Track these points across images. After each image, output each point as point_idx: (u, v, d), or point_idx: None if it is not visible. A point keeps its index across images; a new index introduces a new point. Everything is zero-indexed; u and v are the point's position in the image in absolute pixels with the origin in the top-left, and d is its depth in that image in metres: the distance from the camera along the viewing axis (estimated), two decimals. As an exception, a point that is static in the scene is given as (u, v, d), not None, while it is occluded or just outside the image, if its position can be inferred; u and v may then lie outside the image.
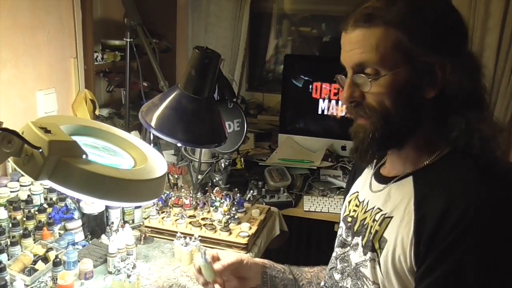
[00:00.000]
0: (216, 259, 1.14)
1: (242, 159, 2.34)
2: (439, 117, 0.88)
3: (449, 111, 0.87)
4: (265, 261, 1.19)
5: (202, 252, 1.11)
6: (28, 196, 1.54)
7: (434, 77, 0.84)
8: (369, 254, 0.93)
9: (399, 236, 0.87)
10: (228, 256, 1.14)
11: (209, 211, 1.75)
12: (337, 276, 1.04)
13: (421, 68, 0.84)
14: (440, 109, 0.87)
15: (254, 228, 1.65)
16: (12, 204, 1.49)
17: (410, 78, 0.84)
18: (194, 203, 1.77)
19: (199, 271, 1.12)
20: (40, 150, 0.73)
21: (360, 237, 0.98)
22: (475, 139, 0.85)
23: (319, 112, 2.63)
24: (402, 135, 0.89)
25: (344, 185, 2.27)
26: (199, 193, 1.85)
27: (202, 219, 1.69)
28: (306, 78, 2.64)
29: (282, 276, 1.16)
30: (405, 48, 0.83)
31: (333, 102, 2.60)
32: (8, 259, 1.33)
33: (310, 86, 2.62)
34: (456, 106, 0.86)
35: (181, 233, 1.54)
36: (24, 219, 1.47)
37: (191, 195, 1.79)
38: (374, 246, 0.92)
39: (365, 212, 0.99)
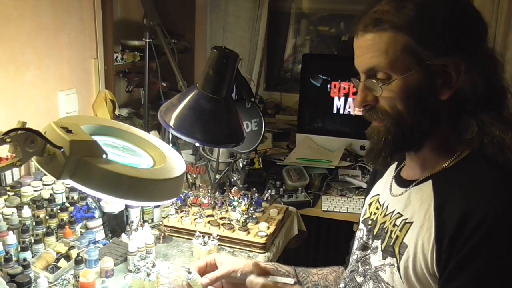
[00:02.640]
0: (213, 266, 1.17)
1: (260, 158, 2.33)
2: (455, 118, 0.87)
3: (463, 112, 0.85)
4: (268, 265, 1.18)
5: (186, 270, 1.15)
6: (51, 195, 1.57)
7: (448, 78, 0.83)
8: (388, 259, 0.92)
9: (420, 242, 0.86)
10: (223, 265, 1.15)
11: (227, 211, 1.75)
12: (359, 279, 1.03)
13: (432, 70, 0.82)
14: (456, 110, 0.86)
15: (272, 228, 1.65)
16: (36, 203, 1.52)
17: (422, 81, 0.83)
18: (212, 202, 1.78)
19: (188, 285, 1.15)
20: (62, 150, 0.74)
21: (380, 240, 0.97)
22: (488, 141, 0.83)
23: (337, 111, 2.62)
24: (416, 137, 0.88)
25: (363, 185, 2.26)
26: (217, 193, 1.86)
27: (220, 218, 1.69)
28: (324, 78, 2.63)
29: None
30: (414, 52, 0.82)
31: (350, 100, 2.58)
32: (32, 257, 1.36)
33: (328, 86, 2.61)
34: (470, 107, 0.84)
35: (200, 232, 1.55)
36: (47, 217, 1.50)
37: (209, 194, 1.80)
38: (394, 251, 0.91)
39: (384, 215, 0.98)
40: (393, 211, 0.95)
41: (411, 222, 0.89)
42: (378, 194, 1.06)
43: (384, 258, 0.94)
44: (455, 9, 0.84)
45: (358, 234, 1.08)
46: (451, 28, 0.82)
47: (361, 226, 1.08)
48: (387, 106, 0.86)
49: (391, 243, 0.92)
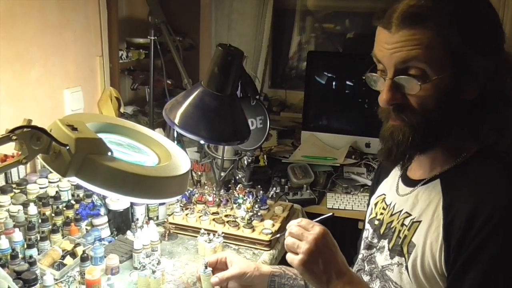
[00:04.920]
0: (223, 264, 1.17)
1: (265, 156, 2.33)
2: (474, 116, 0.86)
3: (485, 110, 0.84)
4: (276, 268, 1.18)
5: (204, 263, 1.16)
6: (56, 192, 1.58)
7: (476, 78, 0.82)
8: (396, 259, 0.92)
9: (428, 241, 0.85)
10: (234, 266, 1.15)
11: (232, 208, 1.75)
12: (366, 278, 1.03)
13: (467, 70, 0.81)
14: (477, 109, 0.85)
15: (277, 225, 1.65)
16: (41, 200, 1.52)
17: (456, 81, 0.81)
18: (217, 200, 1.78)
19: (199, 279, 1.15)
20: (68, 147, 0.74)
21: (387, 240, 0.96)
22: (506, 137, 0.83)
23: (341, 108, 2.61)
24: (440, 136, 0.87)
25: (368, 182, 2.25)
26: (222, 190, 1.86)
27: (225, 216, 1.69)
28: (329, 75, 2.62)
29: (293, 283, 1.16)
30: (456, 49, 0.79)
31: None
32: (38, 254, 1.36)
33: (334, 83, 2.60)
34: (493, 105, 0.84)
35: (205, 229, 1.55)
36: (53, 215, 1.50)
37: (214, 192, 1.80)
38: (402, 250, 0.90)
39: (391, 215, 0.98)
40: (400, 211, 0.95)
41: (419, 221, 0.88)
42: (384, 194, 1.05)
43: (391, 258, 0.93)
44: (485, 10, 0.83)
45: (364, 234, 1.07)
46: (487, 27, 0.81)
47: (367, 226, 1.07)
48: (417, 105, 0.83)
49: (399, 243, 0.91)
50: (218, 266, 1.18)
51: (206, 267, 1.15)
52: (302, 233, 0.90)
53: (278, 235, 1.51)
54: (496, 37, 0.83)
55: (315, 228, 0.90)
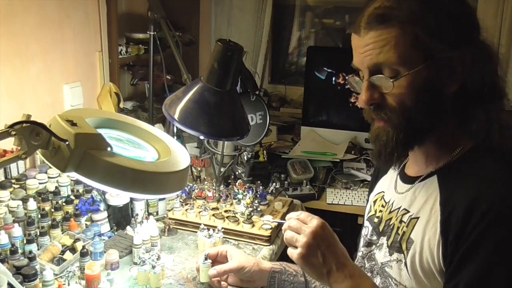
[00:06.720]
0: (223, 257, 1.17)
1: (264, 151, 2.34)
2: (459, 111, 0.86)
3: (469, 104, 0.85)
4: (276, 265, 1.18)
5: (205, 254, 1.17)
6: (56, 187, 1.58)
7: (454, 71, 0.82)
8: (395, 255, 0.92)
9: (426, 237, 0.85)
10: (233, 260, 1.16)
11: (232, 204, 1.75)
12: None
13: (441, 63, 0.81)
14: (461, 103, 0.85)
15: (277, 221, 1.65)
16: (41, 196, 1.52)
17: (431, 75, 0.82)
18: (217, 195, 1.78)
19: (198, 269, 1.16)
20: (67, 143, 0.74)
21: (386, 237, 0.97)
22: (494, 129, 0.83)
23: (341, 104, 2.60)
24: (424, 132, 0.87)
25: (367, 177, 2.26)
26: (222, 186, 1.86)
27: (225, 211, 1.70)
28: (329, 70, 2.62)
29: (293, 280, 1.16)
30: (424, 45, 0.80)
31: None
32: (38, 249, 1.37)
33: (333, 78, 2.59)
34: (476, 98, 0.84)
35: (205, 225, 1.55)
36: (52, 210, 1.50)
37: (214, 187, 1.80)
38: (401, 247, 0.91)
39: (390, 212, 0.98)
40: (399, 208, 0.95)
41: (417, 218, 0.89)
42: (383, 192, 1.05)
43: (390, 254, 0.94)
44: (453, 2, 0.83)
45: (364, 232, 1.08)
46: (453, 20, 0.82)
47: (366, 223, 1.07)
48: (395, 103, 0.84)
49: (398, 239, 0.92)
50: (218, 259, 1.19)
51: (206, 259, 1.16)
52: (300, 226, 0.91)
53: (276, 222, 1.50)
54: (467, 28, 0.83)
55: (313, 221, 0.92)
